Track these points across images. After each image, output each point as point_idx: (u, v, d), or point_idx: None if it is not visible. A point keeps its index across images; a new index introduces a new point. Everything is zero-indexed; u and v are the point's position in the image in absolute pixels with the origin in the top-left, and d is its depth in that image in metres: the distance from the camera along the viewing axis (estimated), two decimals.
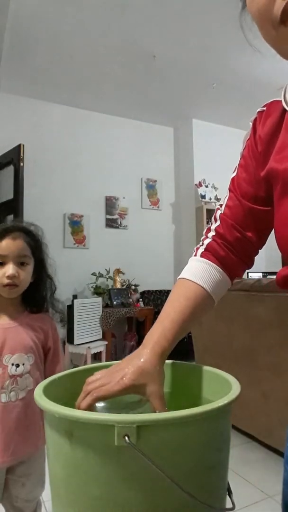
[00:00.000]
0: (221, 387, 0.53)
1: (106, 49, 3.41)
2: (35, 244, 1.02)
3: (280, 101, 0.57)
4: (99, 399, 0.49)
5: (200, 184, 4.75)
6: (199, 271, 0.62)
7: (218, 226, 0.64)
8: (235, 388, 0.50)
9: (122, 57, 3.54)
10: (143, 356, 0.52)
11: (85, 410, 0.49)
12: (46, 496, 1.56)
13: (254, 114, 0.63)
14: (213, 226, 0.65)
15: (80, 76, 3.86)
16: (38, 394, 0.48)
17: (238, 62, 3.63)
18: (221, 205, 0.66)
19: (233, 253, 0.63)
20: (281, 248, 0.55)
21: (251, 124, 0.63)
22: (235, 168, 0.65)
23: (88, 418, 0.42)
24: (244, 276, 4.14)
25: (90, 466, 0.42)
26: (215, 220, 0.65)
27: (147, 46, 3.37)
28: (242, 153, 0.64)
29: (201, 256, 0.64)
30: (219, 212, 0.65)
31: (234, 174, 0.65)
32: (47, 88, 4.07)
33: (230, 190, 0.65)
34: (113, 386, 0.49)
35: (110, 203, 4.65)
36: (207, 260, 0.63)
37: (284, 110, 0.56)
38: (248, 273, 4.29)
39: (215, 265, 0.63)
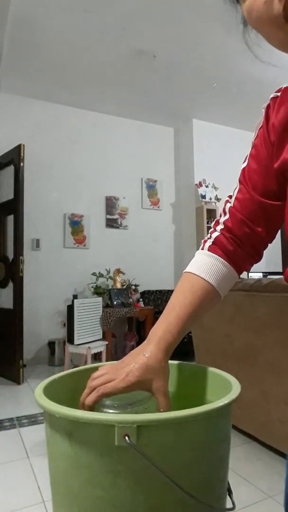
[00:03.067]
0: (222, 387, 0.53)
1: (106, 49, 3.41)
2: None
3: None
4: (104, 395, 0.49)
5: (200, 184, 4.75)
6: (206, 265, 0.61)
7: (227, 219, 0.62)
8: (235, 388, 0.50)
9: (122, 57, 3.54)
10: (148, 351, 0.52)
11: (90, 406, 0.49)
12: (46, 496, 1.56)
13: (267, 101, 0.59)
14: (222, 219, 0.63)
15: (80, 76, 3.87)
16: (38, 394, 0.48)
17: (238, 62, 3.62)
18: (230, 197, 0.64)
19: (241, 248, 0.62)
20: None
21: (263, 111, 0.59)
22: (246, 157, 0.62)
23: (89, 418, 0.42)
24: (245, 275, 4.14)
25: (90, 466, 0.42)
26: (224, 213, 0.63)
27: (147, 46, 3.37)
28: (253, 142, 0.61)
29: (209, 249, 0.62)
30: (228, 205, 0.63)
31: (245, 164, 0.62)
32: (47, 88, 4.07)
33: (240, 181, 0.62)
34: (118, 383, 0.49)
35: (110, 203, 4.65)
36: (214, 254, 0.61)
37: None
38: (248, 273, 4.29)
39: (222, 259, 0.61)
